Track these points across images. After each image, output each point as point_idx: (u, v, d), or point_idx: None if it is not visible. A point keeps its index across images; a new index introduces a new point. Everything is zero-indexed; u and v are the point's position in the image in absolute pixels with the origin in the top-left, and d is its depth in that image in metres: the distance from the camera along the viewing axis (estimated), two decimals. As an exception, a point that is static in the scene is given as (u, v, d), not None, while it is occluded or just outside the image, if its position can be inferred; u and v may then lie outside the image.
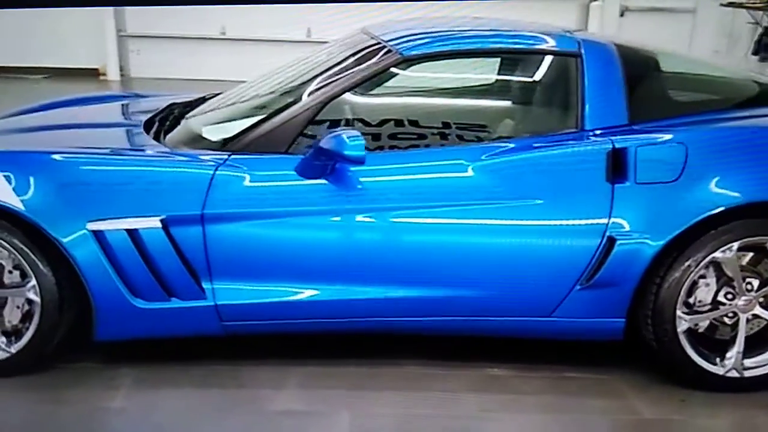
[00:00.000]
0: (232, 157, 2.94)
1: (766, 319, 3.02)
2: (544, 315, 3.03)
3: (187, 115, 3.51)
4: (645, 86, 3.12)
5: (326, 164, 2.85)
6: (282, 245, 2.92)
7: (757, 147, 2.97)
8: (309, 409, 2.89)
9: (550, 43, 3.16)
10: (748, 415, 2.96)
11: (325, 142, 2.77)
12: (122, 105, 4.04)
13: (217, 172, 2.88)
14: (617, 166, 2.91)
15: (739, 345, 3.00)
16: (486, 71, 3.31)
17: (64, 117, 3.68)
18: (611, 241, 2.90)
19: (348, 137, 2.72)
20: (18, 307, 2.97)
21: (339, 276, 2.95)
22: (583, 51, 3.10)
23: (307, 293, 2.96)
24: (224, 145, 3.01)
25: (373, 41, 3.28)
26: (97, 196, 2.86)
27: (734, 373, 3.02)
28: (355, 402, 2.93)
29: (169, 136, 3.28)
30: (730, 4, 9.27)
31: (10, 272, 2.94)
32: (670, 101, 3.16)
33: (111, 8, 9.67)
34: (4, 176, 2.82)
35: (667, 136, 2.94)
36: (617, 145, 2.92)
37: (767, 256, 2.98)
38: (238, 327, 3.01)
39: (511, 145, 2.97)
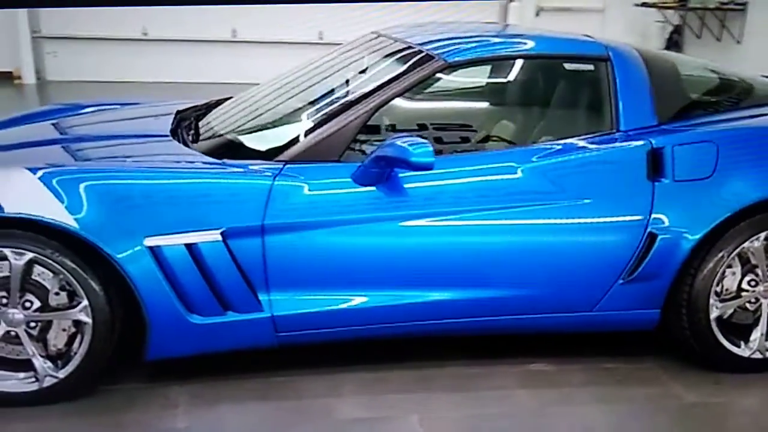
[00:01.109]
0: (288, 166, 2.90)
1: (787, 305, 3.22)
2: (587, 310, 3.15)
3: (209, 124, 3.43)
4: (667, 88, 3.28)
5: (384, 171, 2.86)
6: (339, 253, 2.91)
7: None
8: (376, 415, 2.89)
9: (582, 48, 3.28)
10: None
11: (389, 150, 2.78)
12: (111, 114, 3.89)
13: (276, 183, 2.85)
14: (656, 164, 3.05)
15: (762, 328, 3.21)
16: (514, 75, 3.37)
17: (67, 129, 3.52)
18: (652, 236, 3.05)
19: (414, 144, 2.74)
20: (64, 330, 2.83)
21: (395, 281, 2.97)
22: (611, 55, 3.23)
23: (362, 300, 2.96)
24: (275, 154, 2.96)
25: (405, 45, 3.31)
26: (154, 210, 2.77)
27: (758, 355, 3.22)
28: (418, 406, 2.96)
29: (201, 145, 3.20)
30: (643, 4, 9.75)
31: (57, 294, 2.80)
32: (691, 102, 3.34)
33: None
34: (55, 194, 2.69)
35: (699, 135, 3.11)
36: (655, 145, 3.06)
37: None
38: (292, 337, 2.98)
39: (558, 147, 3.06)
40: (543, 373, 3.24)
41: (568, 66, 3.30)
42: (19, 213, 2.64)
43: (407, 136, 2.79)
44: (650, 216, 3.05)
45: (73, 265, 2.72)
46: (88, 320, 2.77)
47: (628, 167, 3.05)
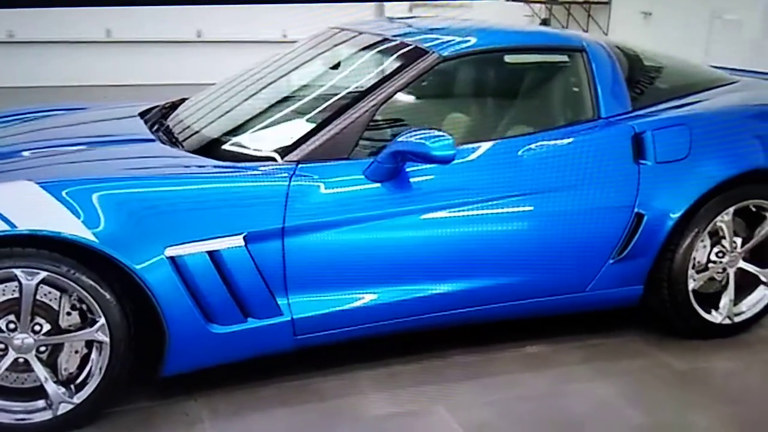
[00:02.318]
0: (300, 166, 2.85)
1: (749, 271, 3.50)
2: (580, 291, 3.30)
3: (188, 124, 3.30)
4: (636, 77, 3.48)
5: (398, 166, 2.87)
6: (357, 250, 2.89)
7: (742, 124, 3.44)
8: (404, 409, 2.90)
9: (560, 40, 3.41)
10: (756, 352, 3.46)
11: (406, 145, 2.79)
12: (67, 119, 3.66)
13: (292, 183, 2.79)
14: (639, 148, 3.23)
15: (730, 294, 3.47)
16: (498, 69, 3.46)
17: (37, 136, 3.27)
18: (639, 216, 3.23)
19: (433, 137, 2.76)
20: (76, 352, 2.65)
21: (411, 275, 2.99)
22: (585, 46, 3.38)
23: (379, 296, 2.96)
24: (282, 155, 2.90)
25: (388, 39, 3.33)
26: (173, 219, 2.64)
27: (727, 321, 3.49)
28: (438, 396, 2.99)
29: (192, 146, 3.08)
30: (515, -1, 10.17)
31: (69, 314, 2.61)
32: (656, 88, 3.54)
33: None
34: (68, 207, 2.51)
35: (673, 120, 3.32)
36: (637, 130, 3.24)
37: (748, 217, 3.45)
38: (310, 339, 2.93)
39: (548, 136, 3.17)
40: (539, 354, 3.35)
41: (548, 58, 3.41)
42: (34, 229, 2.44)
43: (422, 130, 2.80)
44: (637, 197, 3.22)
45: (90, 282, 2.55)
46: (106, 339, 2.61)
47: (616, 152, 3.21)
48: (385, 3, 10.85)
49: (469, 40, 3.22)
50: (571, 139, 3.18)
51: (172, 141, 3.16)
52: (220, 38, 10.26)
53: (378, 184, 2.89)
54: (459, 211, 2.98)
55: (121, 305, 2.61)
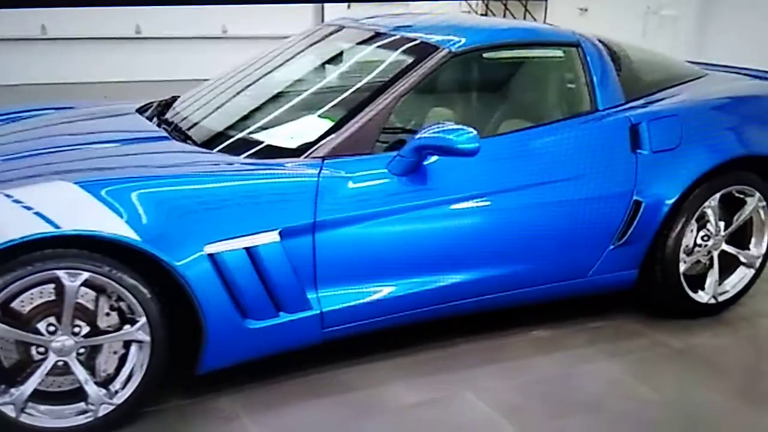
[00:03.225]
0: (327, 161, 2.89)
1: (731, 253, 3.72)
2: (583, 276, 3.45)
3: (198, 121, 3.29)
4: (626, 70, 3.63)
5: (421, 159, 2.94)
6: (383, 243, 2.96)
7: (724, 114, 3.65)
8: (433, 396, 2.98)
9: (557, 36, 3.54)
10: (740, 329, 3.68)
11: (431, 139, 2.86)
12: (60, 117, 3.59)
13: (321, 179, 2.83)
14: (635, 138, 3.39)
15: (714, 275, 3.68)
16: (500, 65, 3.57)
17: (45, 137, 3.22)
18: (637, 203, 3.39)
19: (457, 131, 2.85)
20: (115, 353, 2.64)
21: (434, 266, 3.07)
22: (580, 41, 3.53)
23: (404, 287, 3.03)
24: (307, 150, 2.93)
25: (392, 35, 3.39)
26: (211, 216, 2.65)
27: (713, 300, 3.70)
28: (463, 382, 3.08)
29: (210, 144, 3.08)
30: (455, -5, 10.34)
31: (108, 314, 2.60)
32: (642, 81, 3.71)
33: None
34: (110, 207, 2.49)
35: (665, 111, 3.50)
36: (633, 121, 3.40)
37: (728, 202, 3.66)
38: (337, 332, 2.99)
39: (553, 128, 3.31)
40: (546, 338, 3.49)
41: (547, 53, 3.54)
42: (79, 230, 2.42)
43: (445, 124, 2.88)
44: (635, 185, 3.38)
45: (132, 281, 2.54)
46: (147, 338, 2.60)
47: (617, 142, 3.36)
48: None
49: (473, 36, 3.31)
50: (577, 131, 3.31)
51: (186, 138, 3.15)
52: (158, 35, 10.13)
53: (401, 178, 2.95)
54: (477, 201, 3.07)
55: (161, 304, 2.60)
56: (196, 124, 3.28)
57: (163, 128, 3.28)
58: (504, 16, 10.27)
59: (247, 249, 2.68)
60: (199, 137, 3.15)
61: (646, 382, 3.16)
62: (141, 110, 3.61)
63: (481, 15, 10.75)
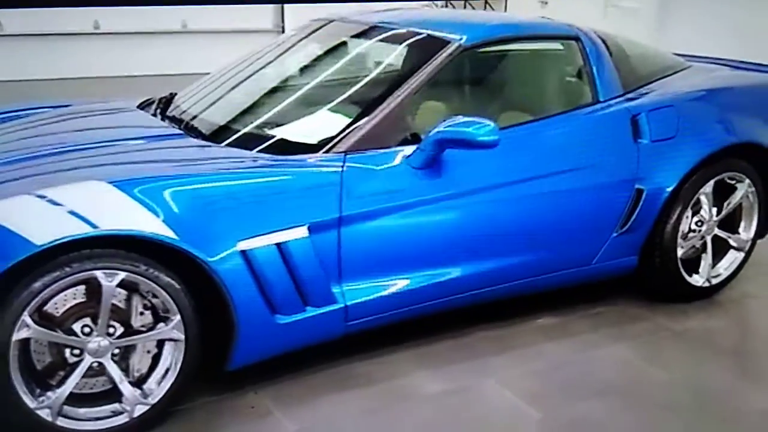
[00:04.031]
0: (349, 156, 2.92)
1: (722, 238, 3.86)
2: (587, 264, 3.54)
3: (208, 118, 3.29)
4: (622, 62, 3.73)
5: (441, 152, 2.99)
6: (405, 235, 3.00)
7: (716, 104, 3.78)
8: (456, 385, 3.03)
9: (558, 29, 3.62)
10: (732, 310, 3.83)
11: (451, 133, 2.91)
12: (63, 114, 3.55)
13: (345, 173, 2.86)
14: (636, 128, 3.50)
15: (708, 259, 3.82)
16: (504, 58, 3.63)
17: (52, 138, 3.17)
18: (639, 192, 3.50)
19: (476, 124, 2.90)
20: (148, 352, 2.63)
21: (452, 257, 3.13)
22: (579, 34, 3.62)
23: (423, 278, 3.08)
24: (326, 145, 2.95)
25: (396, 30, 3.43)
26: (243, 212, 2.66)
27: (706, 283, 3.83)
28: (483, 370, 3.15)
29: (227, 140, 3.08)
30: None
31: (141, 314, 2.59)
32: (636, 73, 3.82)
33: None
34: (145, 205, 2.48)
35: (662, 101, 3.61)
36: (633, 111, 3.51)
37: (720, 188, 3.80)
38: (359, 325, 3.02)
39: (560, 120, 3.39)
40: (552, 325, 3.57)
41: (549, 46, 3.62)
42: (117, 230, 2.40)
43: (464, 118, 2.93)
44: (637, 174, 3.49)
45: (168, 280, 2.54)
46: (181, 336, 2.60)
47: (619, 132, 3.46)
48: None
49: (479, 30, 3.37)
50: (585, 122, 3.40)
51: (201, 135, 3.13)
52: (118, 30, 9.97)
53: (420, 171, 2.99)
54: (493, 192, 3.13)
55: (195, 302, 2.60)
56: (207, 120, 3.27)
57: (174, 125, 3.25)
58: (464, 7, 10.36)
59: (278, 244, 2.69)
60: (214, 134, 3.14)
61: (654, 364, 3.27)
62: (142, 107, 3.57)
63: (442, 8, 10.83)
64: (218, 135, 3.12)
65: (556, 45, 3.63)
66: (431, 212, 3.03)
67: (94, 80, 9.48)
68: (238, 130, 3.13)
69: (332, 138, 2.97)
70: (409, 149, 2.99)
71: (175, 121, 3.33)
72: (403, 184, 2.97)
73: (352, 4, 10.92)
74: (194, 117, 3.32)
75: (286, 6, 10.92)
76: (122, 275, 2.46)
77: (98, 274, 2.42)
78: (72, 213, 2.36)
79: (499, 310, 3.54)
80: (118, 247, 2.45)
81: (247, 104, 3.35)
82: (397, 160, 2.98)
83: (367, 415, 2.82)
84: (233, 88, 3.51)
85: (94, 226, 2.36)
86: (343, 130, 2.99)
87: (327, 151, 2.93)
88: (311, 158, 2.90)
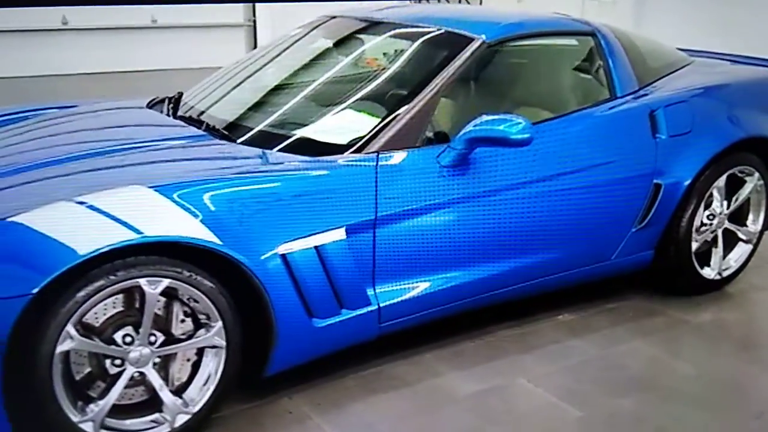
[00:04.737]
0: (381, 155, 2.88)
1: (732, 230, 3.91)
2: (607, 259, 3.55)
3: (231, 119, 3.22)
4: (636, 57, 3.75)
5: (471, 151, 2.96)
6: (437, 235, 2.97)
7: (726, 99, 3.81)
8: (490, 385, 3.02)
9: (576, 25, 3.62)
10: (743, 302, 3.89)
11: (484, 131, 2.88)
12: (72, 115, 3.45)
13: (379, 175, 2.82)
14: (654, 123, 3.51)
15: (719, 251, 3.86)
16: (524, 55, 3.61)
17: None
18: (657, 187, 3.52)
19: (509, 122, 2.88)
20: (188, 360, 2.57)
21: (483, 256, 3.10)
22: (596, 29, 3.62)
23: (454, 278, 3.06)
24: (358, 146, 2.91)
25: (414, 27, 3.40)
26: (283, 215, 2.60)
27: (717, 276, 3.88)
28: (512, 369, 3.13)
29: (250, 141, 3.02)
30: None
31: (183, 321, 2.52)
32: (648, 68, 3.83)
33: None
34: (187, 210, 2.41)
35: (677, 97, 3.63)
36: (651, 107, 3.52)
37: (729, 182, 3.84)
38: (392, 326, 2.99)
39: (582, 116, 3.38)
40: (572, 322, 3.58)
41: (567, 42, 3.61)
42: (162, 236, 2.33)
43: (496, 116, 2.91)
44: (655, 169, 3.50)
45: (210, 285, 2.47)
46: (223, 343, 2.54)
47: (639, 127, 3.47)
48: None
49: (501, 27, 3.35)
50: (607, 117, 3.41)
51: (223, 136, 3.06)
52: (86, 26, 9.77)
53: (450, 169, 2.96)
54: (523, 189, 3.11)
55: (236, 307, 2.54)
56: (228, 121, 3.19)
57: (193, 125, 3.17)
58: (439, 1, 10.34)
59: (317, 247, 2.65)
60: (236, 134, 3.07)
61: (679, 357, 3.30)
62: (150, 107, 3.49)
63: (416, 2, 10.79)
64: (242, 136, 3.05)
65: (575, 41, 3.61)
66: (461, 211, 3.00)
67: (62, 78, 9.29)
68: (262, 131, 3.07)
69: (363, 138, 2.92)
70: (437, 148, 2.95)
71: (192, 121, 3.24)
72: (434, 183, 2.94)
73: (329, 4, 10.90)
74: (212, 117, 3.24)
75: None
76: (166, 282, 2.38)
77: (142, 282, 2.35)
78: (115, 219, 2.29)
79: (517, 307, 3.53)
80: (161, 254, 2.37)
81: (268, 104, 3.29)
82: (427, 159, 2.94)
83: (408, 418, 2.79)
84: (249, 87, 3.45)
85: (139, 233, 2.29)
86: (374, 129, 2.94)
87: (357, 151, 2.88)
88: (344, 159, 2.85)
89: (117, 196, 2.37)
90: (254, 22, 10.99)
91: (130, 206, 2.34)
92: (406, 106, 3.00)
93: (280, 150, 2.92)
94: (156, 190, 2.40)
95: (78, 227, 2.25)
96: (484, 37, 3.24)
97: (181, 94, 3.67)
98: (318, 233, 2.65)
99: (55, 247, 2.19)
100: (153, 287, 2.37)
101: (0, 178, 2.63)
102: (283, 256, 2.58)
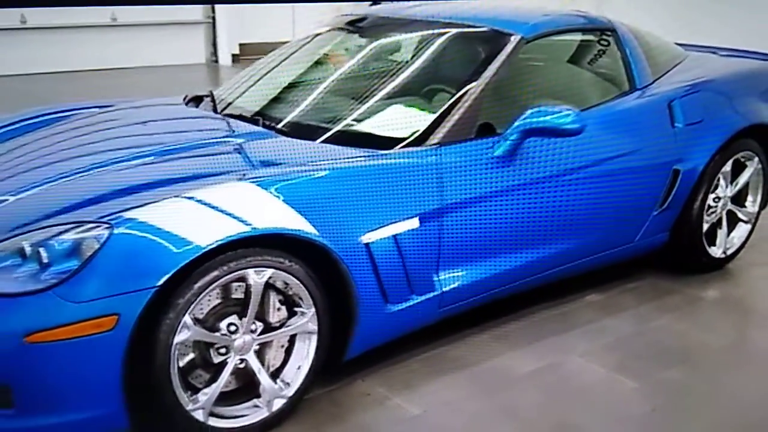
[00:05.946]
0: (443, 148, 3.02)
1: (734, 211, 4.19)
2: (630, 242, 3.78)
3: (282, 115, 3.32)
4: (649, 51, 3.98)
5: (523, 141, 3.14)
6: (492, 222, 3.13)
7: (730, 89, 4.09)
8: (545, 363, 3.19)
9: (597, 21, 3.83)
10: (747, 278, 4.17)
11: (537, 123, 3.06)
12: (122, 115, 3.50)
13: (442, 165, 2.96)
14: (672, 113, 3.76)
15: (724, 230, 4.14)
16: (554, 48, 3.80)
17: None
18: (676, 172, 3.76)
19: (561, 114, 3.06)
20: (282, 346, 2.67)
21: (533, 240, 3.29)
22: (614, 26, 3.84)
23: (507, 262, 3.23)
24: (421, 139, 3.04)
25: (452, 24, 3.55)
26: (365, 206, 2.73)
27: (722, 255, 4.16)
28: (562, 347, 3.31)
29: (314, 137, 3.13)
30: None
31: (278, 309, 2.63)
32: (658, 61, 4.08)
33: None
34: (288, 203, 2.52)
35: (690, 87, 3.88)
36: (669, 98, 3.76)
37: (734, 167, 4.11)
38: (450, 310, 3.14)
39: (610, 106, 3.59)
40: (601, 302, 3.79)
41: (590, 37, 3.82)
42: (271, 228, 2.44)
43: (547, 107, 3.08)
44: (674, 156, 3.75)
45: (306, 273, 2.58)
46: (315, 329, 2.66)
47: (661, 117, 3.71)
48: None
49: (535, 23, 3.53)
50: (633, 107, 3.63)
51: (289, 133, 3.16)
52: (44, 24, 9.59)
53: (503, 160, 3.13)
54: (568, 177, 3.29)
55: (328, 295, 2.66)
56: (284, 118, 3.28)
57: (249, 123, 3.26)
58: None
59: (395, 236, 2.78)
60: (297, 131, 3.17)
61: (709, 331, 3.54)
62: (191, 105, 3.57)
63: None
64: (303, 132, 3.15)
65: (597, 36, 3.82)
66: (512, 199, 3.16)
67: (20, 78, 9.12)
68: (323, 128, 3.17)
69: (424, 132, 3.06)
70: (489, 140, 3.11)
71: (248, 119, 3.33)
72: (488, 173, 3.09)
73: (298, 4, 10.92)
74: (268, 116, 3.32)
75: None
76: (269, 272, 2.49)
77: (250, 272, 2.44)
78: (226, 213, 2.38)
79: (550, 289, 3.71)
80: (266, 246, 2.47)
81: (321, 102, 3.38)
82: (482, 150, 3.10)
83: (481, 397, 2.93)
84: (300, 84, 3.53)
85: (250, 226, 2.39)
86: (434, 123, 3.08)
87: (418, 144, 3.02)
88: (415, 152, 2.98)
89: (224, 191, 2.46)
90: (213, 19, 10.95)
91: (236, 200, 2.44)
92: (459, 101, 3.14)
93: (342, 145, 3.02)
94: (258, 185, 2.50)
95: (193, 221, 2.34)
96: (522, 33, 3.41)
97: (211, 92, 3.74)
98: (396, 222, 2.78)
99: (177, 241, 2.27)
100: (259, 277, 2.46)
101: (95, 175, 2.68)
102: (367, 246, 2.70)
